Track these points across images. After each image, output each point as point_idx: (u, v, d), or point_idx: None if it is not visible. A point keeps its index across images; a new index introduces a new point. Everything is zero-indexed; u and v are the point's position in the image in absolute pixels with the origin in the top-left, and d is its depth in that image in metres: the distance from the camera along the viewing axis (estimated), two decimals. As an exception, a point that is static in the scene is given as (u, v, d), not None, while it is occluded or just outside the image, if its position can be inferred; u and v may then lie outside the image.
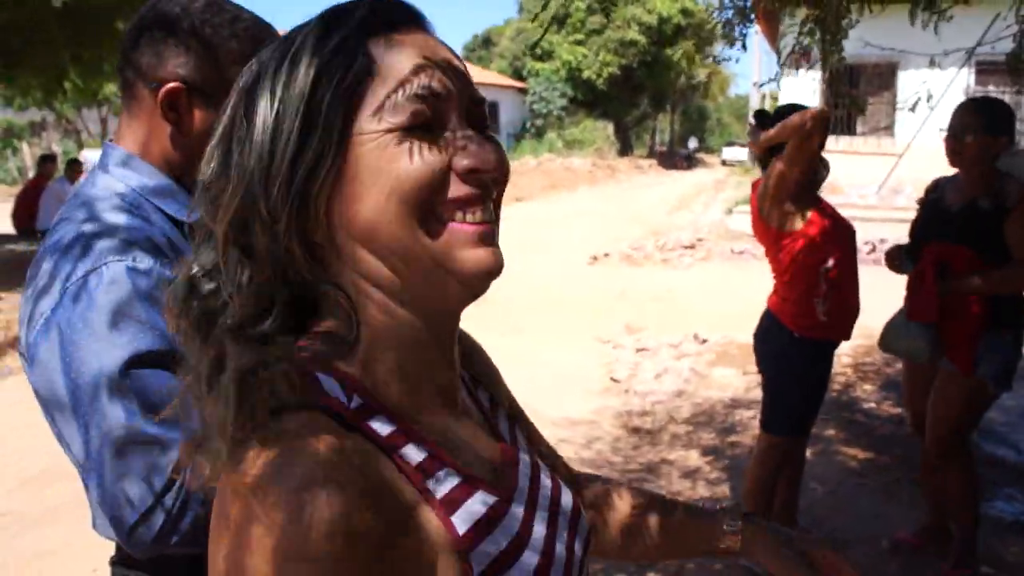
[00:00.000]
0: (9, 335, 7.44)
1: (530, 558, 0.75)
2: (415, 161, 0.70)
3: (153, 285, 1.17)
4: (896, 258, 3.34)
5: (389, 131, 0.70)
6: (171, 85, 1.27)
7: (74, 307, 1.14)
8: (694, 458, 4.59)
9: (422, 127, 0.71)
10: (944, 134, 3.09)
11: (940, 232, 3.13)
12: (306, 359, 0.71)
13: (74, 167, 11.32)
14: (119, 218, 1.23)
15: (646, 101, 41.38)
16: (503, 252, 0.75)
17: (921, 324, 3.12)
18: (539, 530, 0.79)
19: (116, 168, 1.31)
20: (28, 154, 25.34)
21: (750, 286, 8.91)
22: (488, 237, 0.73)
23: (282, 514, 0.59)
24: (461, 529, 0.70)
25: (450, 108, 0.73)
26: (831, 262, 3.13)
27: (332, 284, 0.73)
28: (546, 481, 0.87)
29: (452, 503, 0.71)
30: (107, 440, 1.11)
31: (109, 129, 24.46)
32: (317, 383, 0.70)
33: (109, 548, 1.32)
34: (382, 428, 0.70)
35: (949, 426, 3.20)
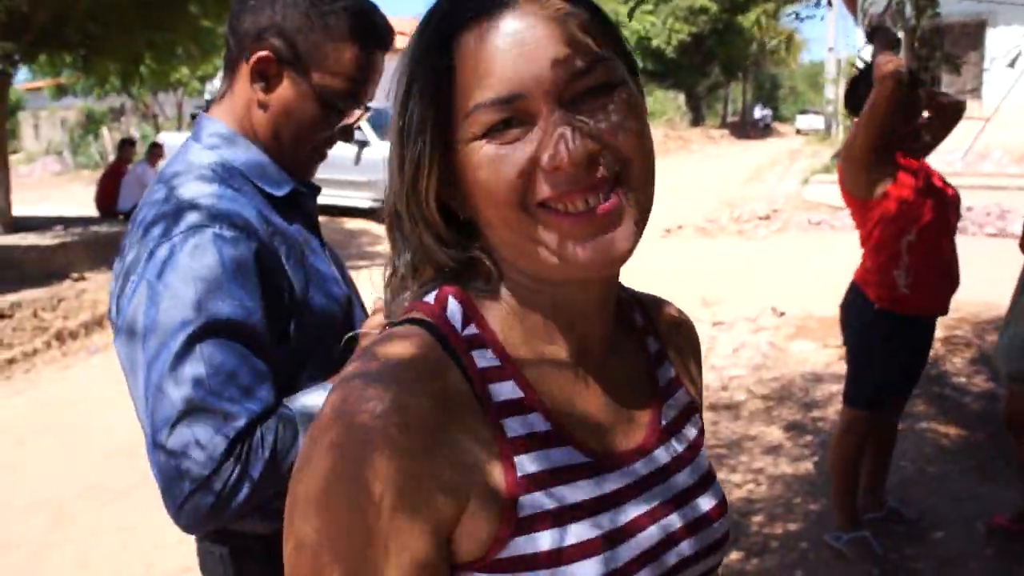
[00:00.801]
0: (96, 314, 7.68)
1: (592, 530, 0.73)
2: (494, 170, 0.71)
3: (238, 255, 1.18)
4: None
5: (472, 139, 0.71)
6: (262, 54, 1.29)
7: (160, 270, 1.16)
8: (776, 434, 4.48)
9: (508, 126, 0.70)
10: None
11: None
12: (450, 283, 0.78)
13: (155, 150, 11.60)
14: (208, 189, 1.24)
15: (717, 70, 40.55)
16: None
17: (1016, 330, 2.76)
18: (630, 511, 0.76)
19: (209, 139, 1.33)
20: (109, 139, 26.09)
21: (828, 258, 8.71)
22: (596, 227, 0.71)
23: (344, 403, 0.69)
24: (521, 471, 0.71)
25: (535, 100, 0.70)
26: (913, 233, 3.02)
27: (474, 252, 0.79)
28: (683, 478, 0.83)
29: (522, 445, 0.72)
30: (171, 404, 1.11)
31: (184, 112, 25.04)
32: (444, 303, 0.77)
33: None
34: (481, 359, 0.74)
35: None
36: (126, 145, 12.21)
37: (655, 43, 35.09)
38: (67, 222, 10.43)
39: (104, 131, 26.88)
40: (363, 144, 12.56)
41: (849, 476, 3.28)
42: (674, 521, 0.80)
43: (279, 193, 1.35)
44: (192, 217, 1.19)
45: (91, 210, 11.62)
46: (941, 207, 3.08)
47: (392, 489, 0.66)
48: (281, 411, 1.19)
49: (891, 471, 3.51)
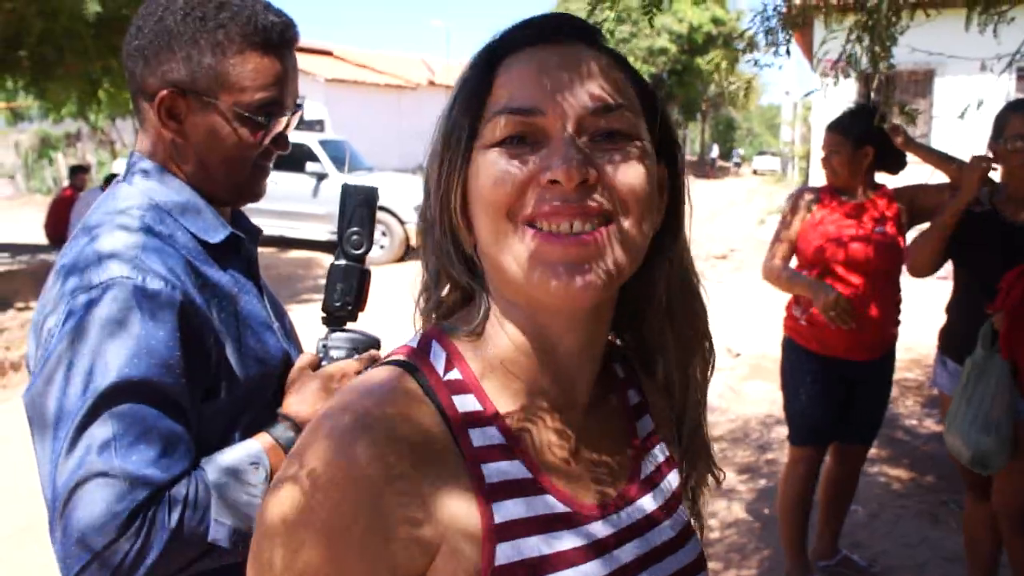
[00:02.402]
0: (39, 345, 7.46)
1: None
2: (492, 173, 0.73)
3: (158, 311, 1.11)
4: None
5: (488, 147, 0.74)
6: (162, 93, 1.23)
7: (74, 325, 1.09)
8: (730, 477, 4.45)
9: (518, 142, 0.73)
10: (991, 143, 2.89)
11: None
12: (435, 327, 0.81)
13: (113, 180, 11.40)
14: (131, 239, 1.17)
15: (676, 110, 41.18)
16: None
17: (974, 417, 2.58)
18: (605, 564, 0.75)
19: (140, 181, 1.27)
20: (63, 164, 25.68)
21: (783, 298, 8.72)
22: (576, 254, 0.71)
23: (321, 438, 0.69)
24: (499, 517, 0.71)
25: (552, 122, 0.73)
26: (804, 273, 3.16)
27: (478, 285, 0.80)
28: (661, 533, 0.82)
29: (503, 492, 0.72)
30: (74, 469, 1.05)
31: (142, 139, 24.72)
32: (427, 346, 0.78)
33: None
34: (462, 404, 0.75)
35: None
36: (78, 172, 11.96)
37: (616, 82, 35.56)
38: (14, 249, 10.19)
39: (59, 156, 26.45)
40: (322, 176, 12.49)
41: (793, 517, 3.27)
42: (656, 570, 0.80)
43: (213, 240, 1.28)
44: (112, 269, 1.13)
45: (42, 237, 11.37)
46: (859, 252, 3.07)
47: (361, 527, 0.66)
48: (195, 475, 1.13)
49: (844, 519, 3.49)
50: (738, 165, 45.02)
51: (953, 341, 2.85)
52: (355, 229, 1.38)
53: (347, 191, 1.40)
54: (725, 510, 4.04)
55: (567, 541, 0.74)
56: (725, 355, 6.80)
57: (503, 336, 0.78)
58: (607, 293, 0.74)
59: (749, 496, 4.18)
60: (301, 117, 1.37)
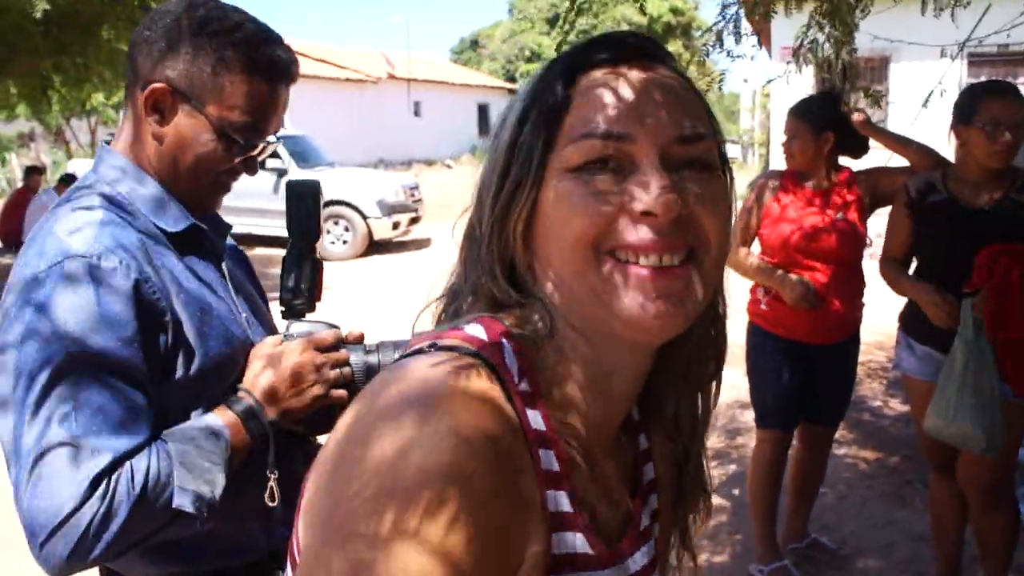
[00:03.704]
0: None
1: None
2: (577, 205, 0.70)
3: (115, 287, 1.15)
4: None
5: (567, 170, 0.71)
6: (156, 85, 1.28)
7: (32, 300, 1.13)
8: (699, 464, 4.47)
9: (603, 168, 0.70)
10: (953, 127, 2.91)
11: (992, 234, 2.65)
12: (497, 322, 0.75)
13: (67, 180, 11.21)
14: (90, 217, 1.22)
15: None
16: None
17: (979, 403, 2.55)
18: None
19: (107, 171, 1.32)
20: (16, 165, 25.18)
21: (747, 284, 8.79)
22: (665, 287, 0.69)
23: (446, 395, 0.63)
24: (555, 549, 0.69)
25: (639, 148, 0.70)
26: (767, 259, 3.21)
27: (529, 298, 0.76)
28: None
29: (557, 522, 0.70)
30: (36, 439, 1.09)
31: (98, 139, 24.32)
32: (500, 347, 0.72)
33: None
34: (534, 420, 0.70)
35: (1007, 468, 2.83)
36: (32, 173, 11.73)
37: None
38: (-33, 253, 9.96)
39: (11, 157, 25.92)
40: (282, 172, 12.35)
41: (762, 501, 3.30)
42: None
43: (174, 229, 1.32)
44: (70, 245, 1.17)
45: (-6, 240, 11.12)
46: (820, 238, 3.10)
47: (505, 506, 0.62)
48: (156, 445, 1.16)
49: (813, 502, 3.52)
50: None
51: (920, 324, 2.87)
52: (302, 222, 1.46)
53: (291, 186, 1.47)
54: (695, 496, 4.06)
55: None
56: (691, 343, 6.84)
57: (562, 358, 0.75)
58: (685, 328, 0.72)
59: (719, 481, 4.21)
60: (274, 151, 1.44)
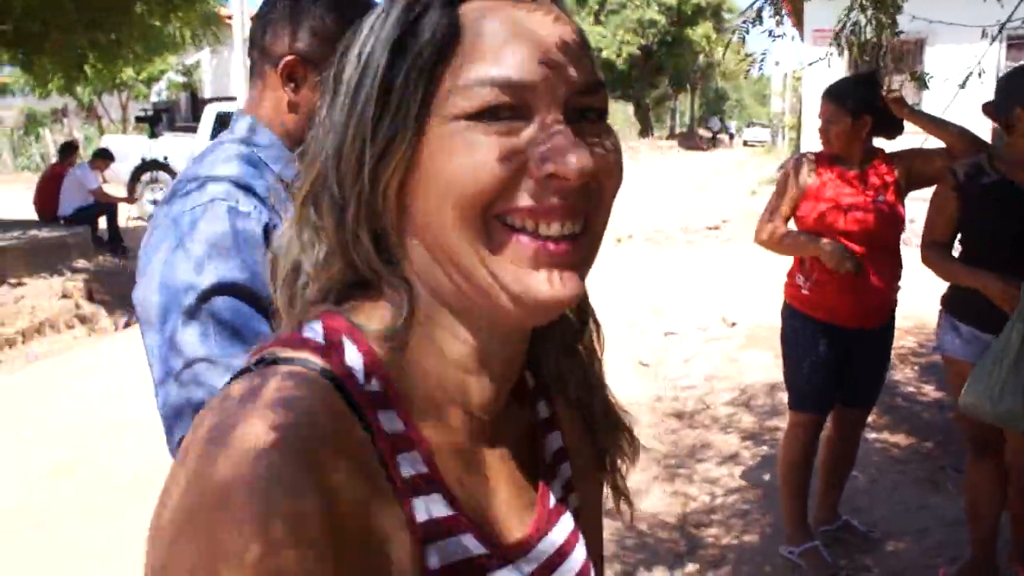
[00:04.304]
0: (35, 320, 7.44)
1: None
2: (476, 159, 0.59)
3: (248, 228, 1.29)
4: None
5: (456, 118, 0.60)
6: (289, 58, 1.41)
7: (178, 236, 1.27)
8: (732, 443, 4.48)
9: (499, 117, 0.60)
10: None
11: None
12: (339, 316, 0.65)
13: (102, 157, 11.35)
14: (231, 168, 1.37)
15: (666, 82, 41.04)
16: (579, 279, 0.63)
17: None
18: None
19: (241, 132, 1.46)
20: (51, 141, 25.43)
21: (776, 268, 8.74)
22: (562, 259, 0.61)
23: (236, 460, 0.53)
24: (432, 563, 0.61)
25: (540, 97, 0.61)
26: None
27: (396, 278, 0.66)
28: (576, 558, 0.74)
29: (430, 531, 0.61)
30: (178, 354, 1.22)
31: (130, 114, 24.51)
32: (339, 346, 0.63)
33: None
34: (388, 424, 0.61)
35: None
36: (69, 149, 11.86)
37: (605, 54, 35.38)
38: (4, 225, 10.10)
39: (46, 133, 26.19)
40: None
41: (794, 483, 3.30)
42: None
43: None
44: (212, 191, 1.31)
45: (31, 214, 11.28)
46: (862, 220, 3.08)
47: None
48: None
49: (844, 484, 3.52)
50: (732, 137, 45.42)
51: (969, 306, 2.83)
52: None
53: None
54: (727, 476, 4.07)
55: None
56: (721, 325, 6.82)
57: (430, 342, 0.66)
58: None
59: (752, 462, 4.21)
60: None
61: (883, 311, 3.21)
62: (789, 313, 3.32)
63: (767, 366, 5.75)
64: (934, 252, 2.93)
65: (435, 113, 0.60)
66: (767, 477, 4.00)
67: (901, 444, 4.37)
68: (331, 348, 0.62)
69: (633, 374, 5.64)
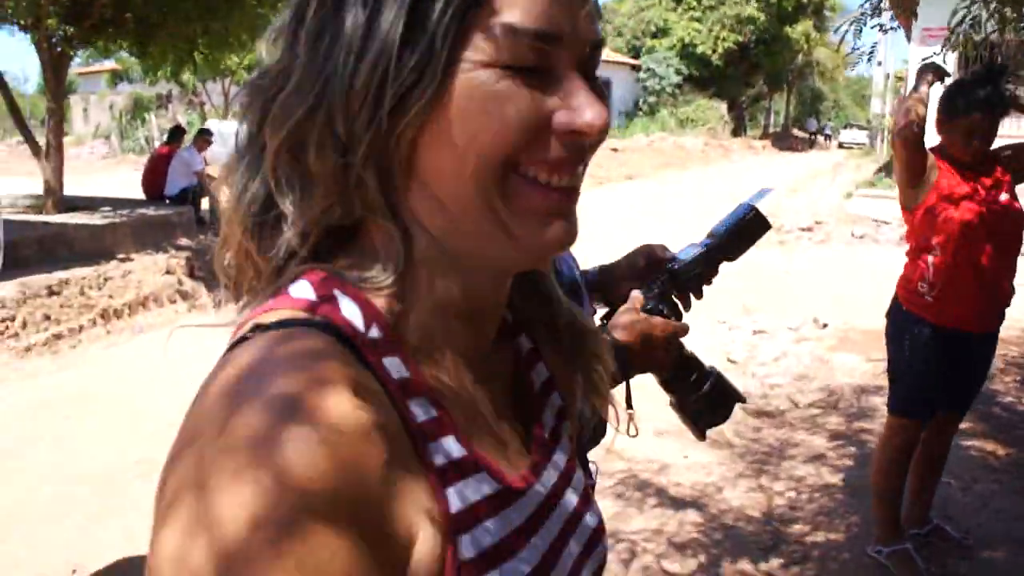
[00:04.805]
0: (140, 294, 7.80)
1: (522, 566, 0.64)
2: (507, 112, 0.58)
3: None
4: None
5: (487, 66, 0.57)
6: None
7: None
8: (819, 443, 4.44)
9: (527, 69, 0.58)
10: None
11: None
12: (325, 272, 0.62)
13: (204, 136, 11.76)
14: None
15: (761, 80, 40.28)
16: (580, 224, 0.66)
17: None
18: (542, 541, 0.68)
19: None
20: (155, 125, 26.48)
21: (870, 271, 8.61)
22: (568, 208, 0.63)
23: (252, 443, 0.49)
24: (454, 506, 0.59)
25: (566, 50, 0.60)
26: (937, 244, 3.05)
27: (393, 223, 0.63)
28: (571, 497, 0.75)
29: (448, 475, 0.60)
30: None
31: (232, 101, 25.31)
32: (331, 298, 0.61)
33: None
34: (394, 370, 0.60)
35: None
36: (177, 132, 12.36)
37: (700, 49, 34.94)
38: (115, 204, 10.58)
39: (151, 117, 27.28)
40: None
41: (888, 486, 3.25)
42: (573, 548, 0.73)
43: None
44: None
45: (137, 193, 11.79)
46: (987, 220, 3.01)
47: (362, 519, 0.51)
48: None
49: (938, 488, 3.46)
50: (828, 138, 44.55)
51: None
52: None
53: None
54: (814, 475, 4.04)
55: (506, 522, 0.64)
56: (812, 326, 6.73)
57: (424, 289, 0.65)
58: None
59: (839, 463, 4.16)
60: None
61: (1000, 313, 3.17)
62: (905, 318, 3.20)
63: (857, 368, 5.66)
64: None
65: (464, 58, 0.58)
66: (854, 478, 3.95)
67: (998, 453, 4.26)
68: (325, 302, 0.60)
69: (721, 370, 5.59)
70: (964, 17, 2.93)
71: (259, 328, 0.58)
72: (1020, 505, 3.71)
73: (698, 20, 35.20)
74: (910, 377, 3.19)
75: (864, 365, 5.70)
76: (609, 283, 1.49)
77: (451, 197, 0.60)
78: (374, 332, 0.60)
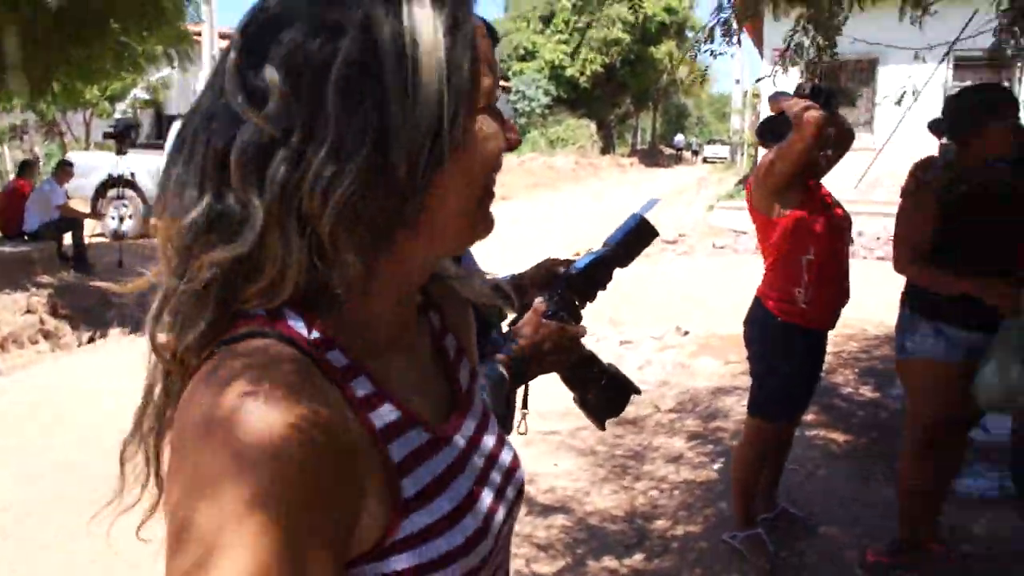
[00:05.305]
0: (1, 332, 7.48)
1: (448, 502, 0.77)
2: (496, 141, 0.76)
3: None
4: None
5: (480, 111, 0.74)
6: None
7: None
8: (678, 444, 4.72)
9: (490, 106, 0.75)
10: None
11: None
12: (266, 316, 0.73)
13: (64, 168, 11.32)
14: None
15: (629, 99, 41.52)
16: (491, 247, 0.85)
17: None
18: (466, 480, 0.82)
19: None
20: (8, 158, 25.19)
21: (730, 279, 9.07)
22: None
23: (228, 426, 0.62)
24: (396, 456, 0.74)
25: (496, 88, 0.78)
26: (812, 252, 3.17)
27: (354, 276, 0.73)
28: (489, 440, 0.90)
29: (389, 434, 0.74)
30: None
31: (93, 132, 24.34)
32: (281, 314, 0.72)
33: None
34: (336, 361, 0.73)
35: None
36: (28, 166, 11.87)
37: (569, 72, 35.80)
38: (-33, 242, 10.09)
39: (3, 149, 25.93)
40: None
41: (750, 484, 3.46)
42: (496, 478, 0.87)
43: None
44: None
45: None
46: (834, 226, 3.26)
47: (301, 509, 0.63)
48: None
49: (783, 474, 3.77)
50: (695, 153, 46.61)
51: (956, 309, 2.95)
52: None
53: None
54: (674, 474, 4.30)
55: (437, 465, 0.78)
56: (674, 334, 7.08)
57: (361, 304, 0.75)
58: None
59: (696, 460, 4.45)
60: None
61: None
62: (782, 330, 3.27)
63: (715, 372, 6.03)
64: (923, 265, 3.01)
65: (472, 108, 0.72)
66: (710, 474, 4.25)
67: (839, 441, 4.64)
68: (277, 319, 0.71)
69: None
70: (789, 44, 3.25)
71: (223, 343, 0.69)
72: (855, 487, 4.07)
73: (565, 43, 36.08)
74: (784, 383, 3.32)
75: (722, 368, 6.07)
76: (518, 291, 1.61)
77: (453, 214, 0.74)
78: (315, 334, 0.72)
